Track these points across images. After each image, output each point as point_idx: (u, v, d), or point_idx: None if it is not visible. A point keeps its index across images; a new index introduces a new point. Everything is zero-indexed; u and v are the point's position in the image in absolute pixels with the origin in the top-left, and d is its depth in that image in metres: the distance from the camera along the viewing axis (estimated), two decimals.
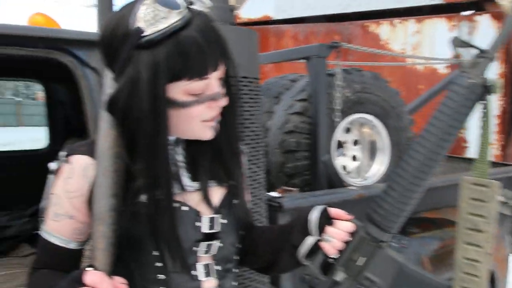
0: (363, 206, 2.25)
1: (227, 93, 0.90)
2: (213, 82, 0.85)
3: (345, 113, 2.72)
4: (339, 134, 2.80)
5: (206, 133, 0.89)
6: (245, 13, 7.08)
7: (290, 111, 2.63)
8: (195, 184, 0.94)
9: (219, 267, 0.97)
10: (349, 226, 0.95)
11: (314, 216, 0.97)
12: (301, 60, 2.84)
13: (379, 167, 2.79)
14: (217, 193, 0.97)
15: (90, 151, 0.88)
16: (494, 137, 5.11)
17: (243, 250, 1.08)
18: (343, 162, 2.78)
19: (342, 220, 0.96)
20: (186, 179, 0.94)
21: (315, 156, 2.49)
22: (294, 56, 2.90)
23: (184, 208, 0.91)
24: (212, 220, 0.95)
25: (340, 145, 2.91)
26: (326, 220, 0.96)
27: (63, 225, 0.90)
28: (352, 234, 0.95)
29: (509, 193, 3.20)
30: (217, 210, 0.96)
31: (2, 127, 21.39)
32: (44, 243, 0.91)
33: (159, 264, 0.90)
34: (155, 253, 0.89)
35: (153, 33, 0.77)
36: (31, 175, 2.62)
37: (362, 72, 2.87)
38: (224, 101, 0.88)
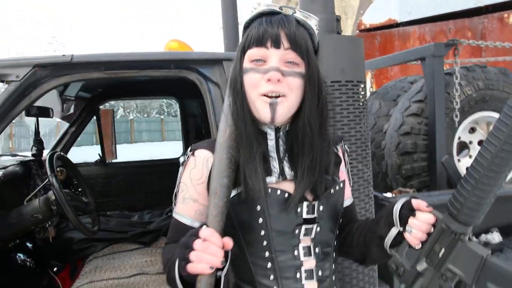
0: None
1: (311, 90, 1.02)
2: (272, 56, 0.99)
3: (467, 112, 2.62)
4: (462, 134, 2.70)
5: (264, 110, 1.00)
6: (368, 19, 7.02)
7: (406, 113, 2.62)
8: (294, 173, 1.06)
9: (318, 249, 1.08)
10: (429, 217, 0.97)
11: (397, 207, 1.02)
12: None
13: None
14: (318, 185, 1.07)
15: (211, 147, 1.07)
16: None
17: (342, 239, 1.18)
18: (468, 163, 2.67)
19: (423, 211, 0.99)
20: (286, 169, 1.06)
21: (433, 157, 2.44)
22: (409, 58, 2.87)
23: (285, 195, 1.03)
24: (311, 206, 1.05)
25: (466, 146, 2.80)
26: (408, 211, 1.00)
27: (189, 207, 1.08)
28: (434, 225, 0.98)
29: None
30: (315, 198, 1.06)
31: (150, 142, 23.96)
32: (175, 222, 1.10)
33: (265, 243, 1.04)
34: (262, 232, 1.04)
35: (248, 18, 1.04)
36: (170, 179, 3.03)
37: (486, 68, 2.73)
38: (285, 87, 0.99)
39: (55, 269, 2.68)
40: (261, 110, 1.01)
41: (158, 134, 27.39)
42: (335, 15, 1.92)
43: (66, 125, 3.38)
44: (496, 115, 2.63)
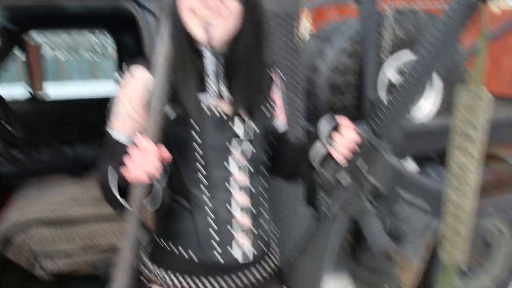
0: (410, 140, 2.37)
1: (249, 14, 1.04)
2: None
3: (396, 54, 2.75)
4: (392, 76, 2.84)
5: (198, 31, 1.01)
6: None
7: (339, 51, 2.70)
8: (230, 93, 1.09)
9: (251, 167, 1.13)
10: (353, 133, 1.06)
11: (323, 124, 1.10)
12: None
13: (430, 105, 2.81)
14: (252, 104, 1.10)
15: (148, 67, 1.07)
16: None
17: (278, 161, 1.25)
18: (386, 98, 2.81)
19: (348, 129, 1.07)
20: (223, 89, 1.09)
21: (363, 95, 2.56)
22: None
23: (219, 114, 1.07)
24: (245, 125, 1.10)
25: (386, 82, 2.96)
26: (333, 128, 1.08)
27: (125, 125, 1.09)
28: (357, 142, 1.07)
29: None
30: (250, 118, 1.10)
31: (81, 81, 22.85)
32: (110, 139, 1.10)
33: (199, 159, 1.08)
34: (197, 148, 1.07)
35: None
36: (103, 115, 2.97)
37: (417, 12, 2.86)
38: (221, 9, 0.99)
39: None
40: (197, 32, 1.01)
41: (89, 73, 26.11)
42: None
43: None
44: None
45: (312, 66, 2.99)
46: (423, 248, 2.32)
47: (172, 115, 1.06)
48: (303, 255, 1.25)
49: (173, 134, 1.07)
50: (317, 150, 1.11)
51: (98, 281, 2.11)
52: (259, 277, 1.19)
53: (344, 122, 1.08)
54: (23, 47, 3.40)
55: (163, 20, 1.05)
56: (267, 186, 1.21)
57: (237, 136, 1.10)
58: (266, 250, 1.20)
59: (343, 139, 1.06)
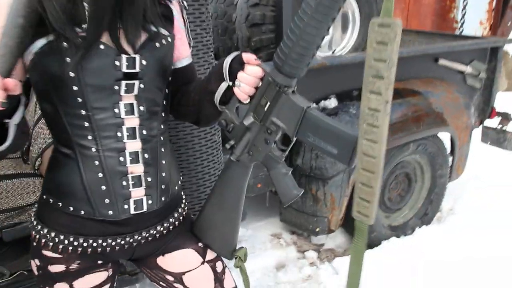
0: (325, 76, 2.27)
1: None
2: None
3: None
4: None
5: None
6: None
7: None
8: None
9: (142, 107, 0.99)
10: (257, 70, 0.94)
11: (227, 61, 0.97)
12: None
13: (348, 39, 2.71)
14: (138, 35, 0.96)
15: None
16: (485, 16, 4.93)
17: (178, 100, 1.11)
18: None
19: (251, 64, 0.95)
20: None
21: (281, 29, 2.39)
22: None
23: (101, 46, 0.91)
24: (131, 60, 0.94)
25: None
26: (238, 65, 0.96)
27: None
28: (262, 79, 0.95)
29: (480, 66, 3.14)
30: (136, 51, 0.95)
31: None
32: None
33: (80, 100, 0.92)
34: (75, 88, 0.91)
35: None
36: None
37: None
38: None
39: None
40: None
41: None
42: None
43: None
44: None
45: (229, 1, 2.77)
46: (348, 186, 2.31)
47: (40, 42, 0.89)
48: (209, 203, 1.12)
49: (45, 68, 0.90)
50: (221, 89, 1.00)
51: None
52: (160, 228, 1.09)
53: (248, 58, 0.96)
54: None
55: None
56: (164, 129, 1.07)
57: (123, 72, 0.95)
58: (167, 200, 1.08)
59: (247, 76, 0.95)
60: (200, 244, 1.16)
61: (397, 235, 2.72)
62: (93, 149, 0.96)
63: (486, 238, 2.64)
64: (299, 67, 0.89)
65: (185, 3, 1.15)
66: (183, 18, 1.13)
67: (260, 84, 0.95)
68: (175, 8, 1.09)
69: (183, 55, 1.11)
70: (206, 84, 1.03)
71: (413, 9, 4.78)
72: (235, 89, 0.96)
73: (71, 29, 0.88)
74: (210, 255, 1.17)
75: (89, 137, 0.95)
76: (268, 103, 0.95)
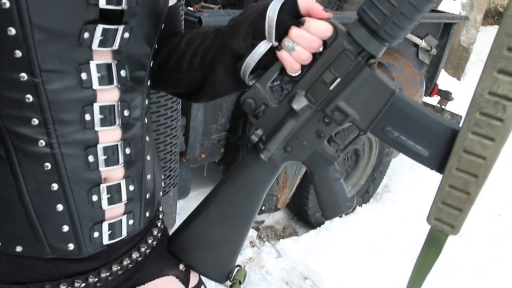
0: None
1: None
2: None
3: None
4: None
5: None
6: None
7: None
8: None
9: (124, 72, 0.61)
10: (325, 28, 0.60)
11: (274, 9, 0.61)
12: None
13: None
14: None
15: None
16: None
17: (163, 61, 0.73)
18: None
19: (316, 17, 0.61)
20: None
21: None
22: None
23: None
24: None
25: None
26: (291, 17, 0.61)
27: None
28: (326, 42, 0.62)
29: (432, 41, 3.00)
30: None
31: None
32: None
33: (18, 53, 0.52)
34: (12, 30, 0.51)
35: None
36: None
37: None
38: None
39: None
40: None
41: None
42: None
43: None
44: None
45: None
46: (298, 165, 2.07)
47: None
48: (205, 213, 0.77)
49: None
50: (257, 52, 0.63)
51: None
52: (136, 255, 0.74)
53: (311, 6, 0.61)
54: None
55: None
56: (147, 106, 0.70)
57: (100, 9, 0.55)
58: (151, 215, 0.74)
59: (308, 35, 0.60)
60: (181, 267, 0.81)
61: None
62: (42, 143, 0.57)
63: (420, 213, 2.59)
64: (404, 28, 0.58)
65: None
66: None
67: (322, 49, 0.62)
68: None
69: None
70: (224, 42, 0.66)
71: None
72: (283, 54, 0.61)
73: None
74: (194, 280, 0.83)
75: (35, 122, 0.55)
76: (338, 79, 0.62)
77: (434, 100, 3.22)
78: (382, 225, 2.52)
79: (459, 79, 5.67)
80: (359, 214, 2.61)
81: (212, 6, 1.83)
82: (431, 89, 3.07)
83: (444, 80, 3.49)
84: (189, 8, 1.65)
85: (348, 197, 0.73)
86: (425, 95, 3.13)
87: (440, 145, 0.62)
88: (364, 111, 0.63)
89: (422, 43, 2.71)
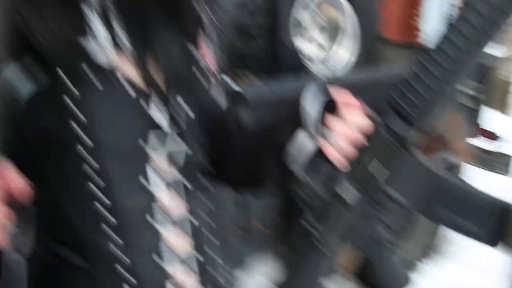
0: None
1: None
2: None
3: None
4: (296, 11, 2.43)
5: None
6: None
7: None
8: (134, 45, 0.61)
9: (186, 180, 0.67)
10: (362, 118, 0.65)
11: (309, 100, 0.67)
12: None
13: (343, 53, 2.49)
14: (174, 65, 0.65)
15: None
16: None
17: (214, 154, 0.79)
18: (307, 49, 2.46)
19: (351, 108, 0.66)
20: (119, 32, 0.59)
21: (274, 37, 2.18)
22: None
23: (121, 80, 0.60)
24: (169, 106, 0.64)
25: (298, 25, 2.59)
26: (327, 107, 0.67)
27: None
28: (366, 132, 0.66)
29: (471, 83, 3.01)
30: (175, 94, 0.65)
31: None
32: None
33: (93, 175, 0.60)
34: (82, 149, 0.59)
35: None
36: None
37: None
38: None
39: None
40: None
41: None
42: None
43: None
44: None
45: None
46: None
47: (26, 87, 0.57)
48: None
49: (35, 129, 0.59)
50: (300, 145, 0.68)
51: None
52: None
53: (344, 97, 0.67)
54: None
55: None
56: (213, 209, 0.75)
57: (157, 127, 0.63)
58: None
59: (344, 125, 0.65)
60: None
61: None
62: (117, 251, 0.62)
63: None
64: (434, 114, 0.64)
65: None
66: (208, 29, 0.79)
67: (364, 136, 0.66)
68: (202, 13, 0.75)
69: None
70: (269, 132, 0.73)
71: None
72: (325, 145, 0.66)
73: (76, 54, 0.57)
74: None
75: (110, 233, 0.61)
76: (379, 165, 0.66)
77: (480, 141, 3.18)
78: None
79: (504, 113, 5.56)
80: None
81: (247, 75, 1.97)
82: (475, 130, 3.04)
83: (489, 117, 3.45)
84: (225, 78, 1.78)
85: (405, 276, 0.75)
86: (470, 137, 3.10)
87: (491, 222, 0.64)
88: (411, 194, 0.67)
89: (461, 86, 2.73)
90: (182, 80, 0.66)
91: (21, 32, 0.56)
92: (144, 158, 0.62)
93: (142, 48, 0.61)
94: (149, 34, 0.62)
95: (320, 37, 2.50)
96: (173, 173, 0.65)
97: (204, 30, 0.74)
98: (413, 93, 0.62)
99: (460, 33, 0.60)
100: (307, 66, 2.26)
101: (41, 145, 0.60)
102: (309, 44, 2.46)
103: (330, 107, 0.66)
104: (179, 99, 0.65)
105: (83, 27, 0.57)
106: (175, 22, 0.65)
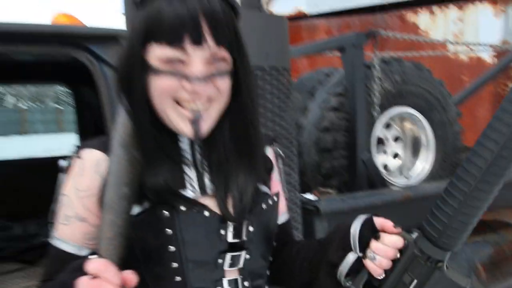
0: (410, 209, 2.09)
1: (237, 89, 0.79)
2: (193, 59, 0.72)
3: (384, 107, 2.53)
4: (379, 130, 2.62)
5: (183, 125, 0.76)
6: (277, 8, 6.94)
7: (325, 107, 2.46)
8: (215, 187, 0.82)
9: (247, 283, 0.83)
10: (397, 241, 0.78)
11: (355, 228, 0.82)
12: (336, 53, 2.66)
13: (423, 165, 2.57)
14: (250, 198, 0.83)
15: (103, 146, 0.80)
16: None
17: (278, 266, 0.94)
18: (383, 160, 2.58)
19: (389, 233, 0.79)
20: (206, 180, 0.82)
21: (354, 155, 2.30)
22: (329, 47, 2.73)
23: (205, 213, 0.79)
24: (238, 226, 0.81)
25: (381, 142, 2.73)
26: (370, 233, 0.80)
27: (73, 229, 0.80)
28: (402, 250, 0.79)
29: None
30: (243, 216, 0.82)
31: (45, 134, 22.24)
32: (54, 251, 0.81)
33: (179, 279, 0.78)
34: (175, 264, 0.77)
35: None
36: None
37: (402, 62, 2.66)
38: (211, 91, 0.75)
39: None
40: (178, 124, 0.76)
41: (55, 125, 25.26)
42: None
43: None
44: (411, 111, 2.56)
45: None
46: None
47: (135, 210, 0.76)
48: None
49: (140, 242, 0.77)
50: (347, 262, 0.82)
51: None
52: None
53: (384, 224, 0.81)
54: None
55: (119, 95, 0.78)
56: None
57: (228, 243, 0.81)
58: None
59: (384, 247, 0.78)
60: None
61: None
62: None
63: None
64: (460, 238, 0.74)
65: (280, 151, 1.02)
66: (279, 168, 1.00)
67: (399, 256, 0.79)
68: (273, 159, 0.97)
69: (281, 211, 0.97)
70: (323, 253, 0.87)
71: (469, 123, 4.70)
72: (368, 263, 0.79)
73: (172, 196, 0.77)
74: None
75: None
76: (415, 281, 0.78)
77: None
78: None
79: None
80: None
81: (328, 190, 2.10)
82: None
83: None
84: (306, 195, 1.93)
85: None
86: None
87: None
88: None
89: None
90: (251, 211, 0.83)
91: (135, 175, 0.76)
92: (221, 273, 0.80)
93: (224, 190, 0.81)
94: (229, 180, 0.82)
95: (398, 149, 2.62)
96: (238, 276, 0.82)
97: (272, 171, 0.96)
98: (440, 219, 0.74)
99: (478, 163, 0.69)
100: (384, 177, 2.34)
101: (143, 255, 0.78)
102: (387, 157, 2.59)
103: (373, 231, 0.80)
104: (248, 224, 0.82)
105: (182, 179, 0.80)
106: (250, 170, 0.84)
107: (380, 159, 2.64)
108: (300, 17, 6.67)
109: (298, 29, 6.60)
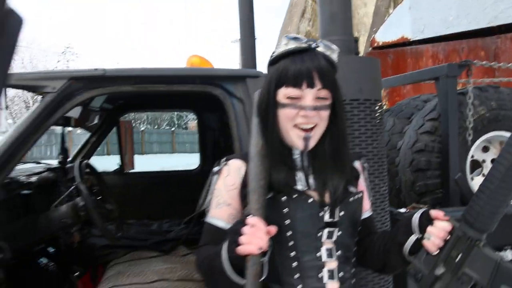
0: (501, 225, 2.23)
1: (334, 117, 1.16)
2: (307, 95, 1.10)
3: (480, 131, 2.68)
4: (475, 153, 2.76)
5: (298, 141, 1.13)
6: (381, 36, 7.11)
7: (420, 130, 2.68)
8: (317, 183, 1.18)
9: (339, 252, 1.16)
10: (446, 225, 1.06)
11: (416, 217, 1.12)
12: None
13: None
14: (341, 193, 1.17)
15: (243, 158, 1.22)
16: None
17: (363, 251, 1.27)
18: (480, 181, 2.70)
19: (440, 220, 1.07)
20: (311, 180, 1.18)
21: (446, 175, 2.50)
22: (422, 78, 2.95)
23: (309, 200, 1.14)
24: (332, 210, 1.15)
25: (479, 164, 2.85)
26: (427, 221, 1.09)
27: (223, 212, 1.19)
28: (451, 233, 1.06)
29: None
30: (336, 204, 1.16)
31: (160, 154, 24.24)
32: (208, 226, 1.20)
33: (291, 243, 1.13)
34: (289, 233, 1.13)
35: (275, 53, 1.15)
36: (185, 191, 3.16)
37: (499, 89, 2.80)
38: (317, 118, 1.11)
39: (76, 274, 2.76)
40: (295, 140, 1.14)
41: (169, 146, 27.54)
42: (353, 37, 2.02)
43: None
44: (508, 134, 2.68)
45: (391, 145, 2.99)
46: None
47: (267, 199, 1.12)
48: None
49: (267, 218, 1.10)
50: (410, 241, 1.12)
51: None
52: None
53: (437, 214, 1.09)
54: (118, 124, 3.76)
55: (255, 117, 1.18)
56: (354, 273, 1.22)
57: (324, 222, 1.15)
58: None
59: (437, 230, 1.07)
60: None
61: None
62: (299, 287, 1.13)
63: None
64: (490, 223, 1.01)
65: (366, 164, 1.36)
66: (364, 177, 1.32)
67: (449, 237, 1.06)
68: (359, 169, 1.31)
69: (365, 208, 1.29)
70: (393, 236, 1.17)
71: None
72: (425, 242, 1.07)
73: (289, 187, 1.14)
74: None
75: (296, 276, 1.12)
76: (460, 255, 1.04)
77: None
78: None
79: None
80: None
81: (421, 206, 2.34)
82: None
83: None
84: (397, 210, 2.19)
85: None
86: None
87: None
88: (482, 274, 1.02)
89: None
90: (342, 201, 1.17)
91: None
92: (320, 243, 1.15)
93: (322, 186, 1.16)
94: (326, 179, 1.16)
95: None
96: (332, 247, 1.15)
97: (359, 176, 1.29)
98: (475, 209, 1.01)
99: (498, 168, 0.96)
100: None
101: (268, 223, 1.04)
102: (481, 178, 2.72)
103: (429, 219, 1.08)
104: (339, 210, 1.16)
105: (294, 178, 1.17)
106: (341, 174, 1.18)
107: (477, 181, 2.77)
108: (404, 43, 6.78)
109: (403, 55, 6.72)
